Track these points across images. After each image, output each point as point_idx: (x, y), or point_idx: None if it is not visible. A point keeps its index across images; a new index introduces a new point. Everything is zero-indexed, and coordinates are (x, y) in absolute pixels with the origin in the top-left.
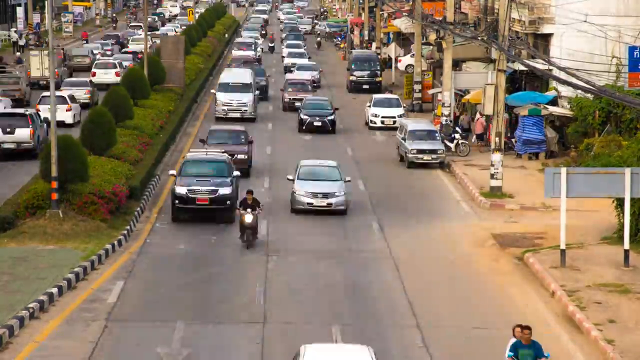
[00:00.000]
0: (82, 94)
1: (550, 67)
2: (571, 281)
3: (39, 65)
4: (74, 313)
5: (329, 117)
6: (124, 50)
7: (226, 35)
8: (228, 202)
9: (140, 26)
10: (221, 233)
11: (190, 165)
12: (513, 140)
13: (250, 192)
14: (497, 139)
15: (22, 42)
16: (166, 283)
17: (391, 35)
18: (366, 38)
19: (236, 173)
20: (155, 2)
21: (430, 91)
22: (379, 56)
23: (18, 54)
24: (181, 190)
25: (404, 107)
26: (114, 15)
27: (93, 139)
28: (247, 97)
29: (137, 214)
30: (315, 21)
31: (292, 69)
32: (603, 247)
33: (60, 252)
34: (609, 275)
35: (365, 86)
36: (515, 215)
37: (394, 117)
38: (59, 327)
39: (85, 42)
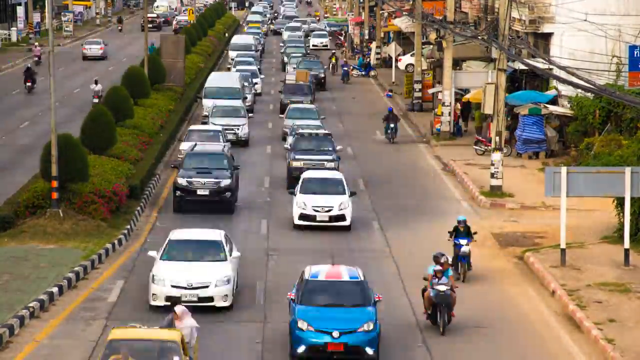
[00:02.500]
0: None
1: (551, 67)
2: (571, 280)
3: None
4: (74, 312)
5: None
6: None
7: (226, 35)
8: None
9: None
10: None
11: None
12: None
13: None
14: (497, 138)
15: None
16: None
17: (391, 35)
18: (366, 37)
19: None
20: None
21: (431, 90)
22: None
23: None
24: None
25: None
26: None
27: (93, 138)
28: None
29: (138, 213)
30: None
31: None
32: (603, 246)
33: (61, 251)
34: (609, 274)
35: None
36: (515, 214)
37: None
38: (60, 326)
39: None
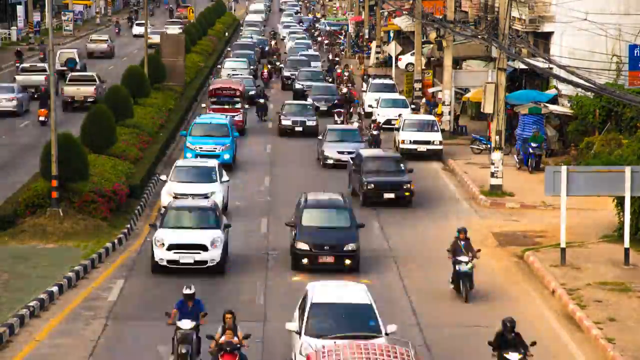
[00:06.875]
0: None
1: (551, 66)
2: (571, 280)
3: None
4: (74, 311)
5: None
6: None
7: (226, 34)
8: None
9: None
10: None
11: None
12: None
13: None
14: (497, 137)
15: None
16: (166, 281)
17: (391, 34)
18: (366, 37)
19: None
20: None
21: (431, 90)
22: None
23: None
24: None
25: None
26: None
27: (93, 137)
28: None
29: (138, 212)
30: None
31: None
32: (603, 245)
33: (61, 250)
34: (609, 273)
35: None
36: (515, 213)
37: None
38: (60, 325)
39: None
